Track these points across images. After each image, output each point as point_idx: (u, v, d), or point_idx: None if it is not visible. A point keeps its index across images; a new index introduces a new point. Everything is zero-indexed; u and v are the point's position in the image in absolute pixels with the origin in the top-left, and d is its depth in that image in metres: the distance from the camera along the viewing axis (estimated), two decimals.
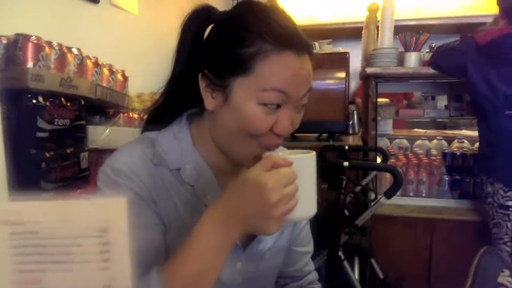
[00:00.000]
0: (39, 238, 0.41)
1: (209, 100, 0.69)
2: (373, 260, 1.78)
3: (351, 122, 2.66)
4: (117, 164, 0.68)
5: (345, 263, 1.47)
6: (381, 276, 1.79)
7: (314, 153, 0.60)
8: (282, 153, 0.63)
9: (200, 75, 0.68)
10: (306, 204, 0.59)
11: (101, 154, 1.30)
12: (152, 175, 0.69)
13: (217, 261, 0.59)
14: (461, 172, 2.14)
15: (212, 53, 0.67)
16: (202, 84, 0.68)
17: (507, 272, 0.56)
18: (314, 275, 0.95)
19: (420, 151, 2.36)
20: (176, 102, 0.76)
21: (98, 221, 0.40)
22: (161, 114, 0.78)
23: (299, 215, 0.59)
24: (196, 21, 0.70)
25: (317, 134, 2.50)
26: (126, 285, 0.41)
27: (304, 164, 0.58)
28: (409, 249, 1.95)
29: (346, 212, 1.75)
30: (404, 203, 2.07)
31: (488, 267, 0.56)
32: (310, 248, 0.93)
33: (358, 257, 1.70)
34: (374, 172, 1.95)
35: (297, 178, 0.56)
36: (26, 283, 0.42)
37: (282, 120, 0.65)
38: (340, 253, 1.46)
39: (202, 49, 0.69)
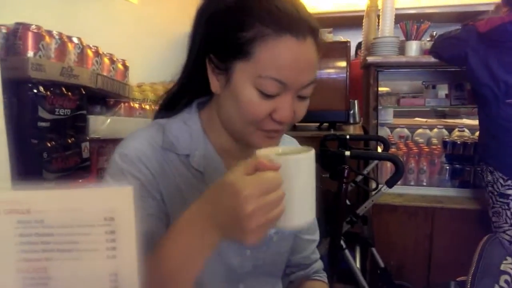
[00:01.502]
0: (44, 227, 0.41)
1: (214, 83, 0.69)
2: (374, 249, 1.79)
3: (352, 112, 2.65)
4: (126, 150, 0.69)
5: (347, 252, 1.48)
6: (381, 265, 1.81)
7: (311, 152, 0.53)
8: (278, 149, 0.58)
9: (207, 59, 0.68)
10: (299, 211, 0.52)
11: (103, 144, 1.30)
12: (160, 161, 0.70)
13: (195, 262, 0.56)
14: (461, 161, 2.14)
15: (216, 36, 0.67)
16: (208, 68, 0.69)
17: (509, 259, 0.56)
18: (319, 264, 0.95)
19: (421, 140, 2.36)
20: (189, 90, 0.76)
21: (104, 210, 0.40)
22: (173, 102, 0.78)
23: (290, 223, 0.52)
24: (210, 6, 0.69)
25: (318, 124, 2.49)
26: (133, 273, 0.41)
27: (296, 166, 0.51)
28: (410, 238, 1.96)
29: (347, 202, 1.76)
30: (405, 192, 2.08)
31: (491, 255, 0.57)
32: (316, 236, 0.94)
33: (359, 246, 1.71)
34: (375, 162, 1.95)
35: (288, 182, 0.50)
36: (32, 271, 0.42)
37: (281, 108, 0.64)
38: (342, 242, 1.46)
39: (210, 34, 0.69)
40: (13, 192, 0.43)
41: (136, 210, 0.41)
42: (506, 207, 1.66)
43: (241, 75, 0.64)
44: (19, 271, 0.42)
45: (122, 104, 1.41)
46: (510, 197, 1.65)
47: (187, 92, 0.77)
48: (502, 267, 0.55)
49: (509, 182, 1.65)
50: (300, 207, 0.53)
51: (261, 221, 0.48)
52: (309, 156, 0.53)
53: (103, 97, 1.35)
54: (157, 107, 0.83)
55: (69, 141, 1.09)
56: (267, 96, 0.63)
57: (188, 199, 0.70)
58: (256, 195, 0.47)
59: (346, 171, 1.44)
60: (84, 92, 1.14)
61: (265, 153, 0.53)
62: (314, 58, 0.65)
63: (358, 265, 1.61)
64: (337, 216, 1.44)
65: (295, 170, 0.51)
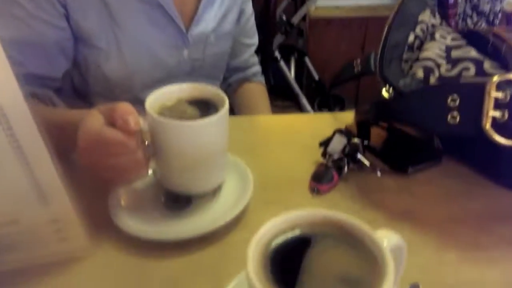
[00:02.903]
0: None
1: None
2: (308, 62, 1.81)
3: None
4: None
5: (282, 62, 1.49)
6: (316, 77, 1.88)
7: (207, 120, 0.43)
8: (181, 93, 0.47)
9: None
10: (182, 180, 0.46)
11: None
12: None
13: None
14: None
15: None
16: None
17: (428, 11, 0.55)
18: (258, 68, 0.95)
19: None
20: None
21: None
22: None
23: (175, 189, 0.47)
24: None
25: None
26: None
27: (178, 133, 0.42)
28: (343, 49, 1.99)
29: (284, 17, 1.69)
30: (341, 3, 2.01)
31: (410, 7, 0.55)
32: (255, 40, 0.92)
33: (294, 57, 1.72)
34: None
35: (169, 146, 0.43)
36: None
37: None
38: (277, 54, 1.45)
39: None
40: None
41: None
42: None
43: None
44: None
45: None
46: None
47: None
48: (420, 18, 0.54)
49: None
50: (184, 176, 0.46)
51: (105, 176, 0.43)
52: (202, 124, 0.43)
53: None
54: None
55: None
56: None
57: None
58: (92, 154, 0.41)
59: None
60: None
61: (151, 104, 0.44)
62: None
63: (293, 75, 1.65)
64: (268, 27, 1.39)
65: (176, 137, 0.43)
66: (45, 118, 0.39)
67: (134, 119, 0.40)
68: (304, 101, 1.61)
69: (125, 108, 0.40)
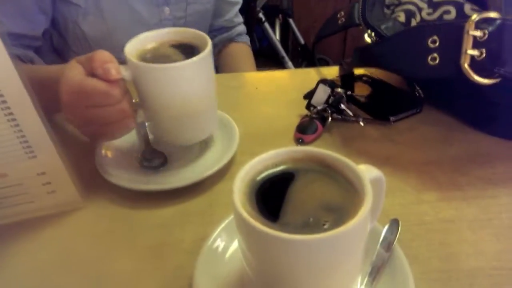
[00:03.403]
0: None
1: None
2: (294, 25, 1.78)
3: None
4: None
5: (266, 24, 1.46)
6: (302, 42, 1.85)
7: (188, 62, 0.41)
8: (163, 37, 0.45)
9: None
10: (167, 132, 0.46)
11: None
12: None
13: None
14: None
15: None
16: None
17: None
18: (242, 28, 0.94)
19: None
20: None
21: None
22: None
23: (166, 140, 0.47)
24: None
25: None
26: None
27: (159, 78, 0.41)
28: (329, 12, 1.96)
29: None
30: None
31: None
32: None
33: (278, 19, 1.69)
34: None
35: (153, 94, 0.42)
36: None
37: None
38: (261, 15, 1.42)
39: None
40: None
41: None
42: None
43: None
44: None
45: None
46: None
47: None
48: None
49: None
50: (172, 125, 0.45)
51: (91, 130, 0.42)
52: (186, 64, 0.41)
53: None
54: None
55: None
56: None
57: None
58: (76, 106, 0.40)
59: None
60: None
61: (131, 51, 0.42)
62: None
63: (278, 37, 1.63)
64: None
65: (161, 81, 0.41)
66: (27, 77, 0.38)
67: (114, 67, 0.38)
68: (289, 64, 1.60)
69: (103, 56, 0.39)
